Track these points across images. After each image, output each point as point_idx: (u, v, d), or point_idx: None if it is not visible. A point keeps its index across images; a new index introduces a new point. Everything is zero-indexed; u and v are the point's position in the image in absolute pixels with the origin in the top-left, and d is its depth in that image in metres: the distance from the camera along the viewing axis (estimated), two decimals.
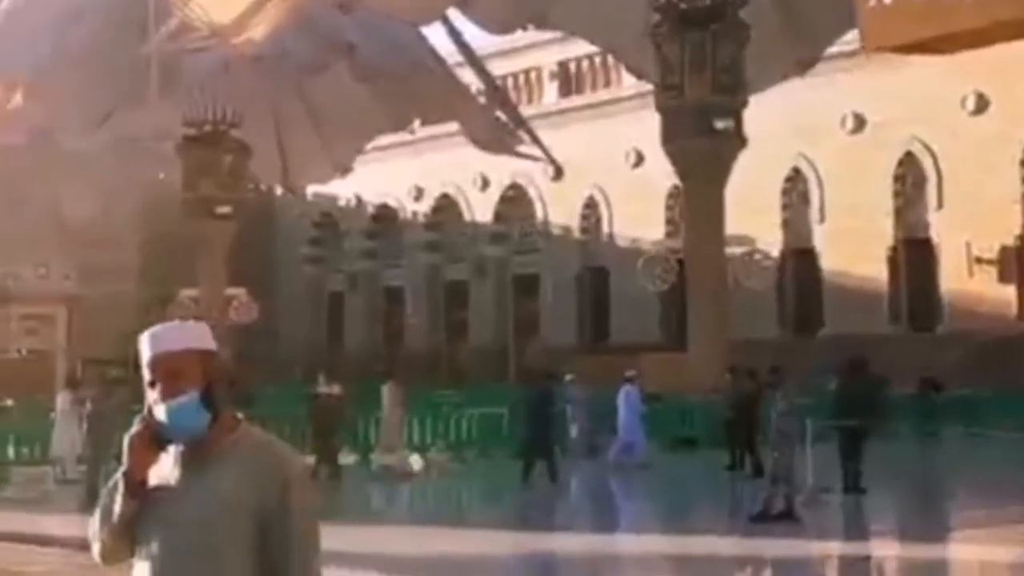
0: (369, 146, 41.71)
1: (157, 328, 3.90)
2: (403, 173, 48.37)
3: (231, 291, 38.22)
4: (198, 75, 34.77)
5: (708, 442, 26.65)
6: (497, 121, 37.88)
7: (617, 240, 43.76)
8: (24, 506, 21.32)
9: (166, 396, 3.79)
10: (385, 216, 51.59)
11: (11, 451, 25.85)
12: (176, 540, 3.75)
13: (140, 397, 3.86)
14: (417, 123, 40.82)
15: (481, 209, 48.38)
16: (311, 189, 48.65)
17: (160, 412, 3.80)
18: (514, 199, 47.54)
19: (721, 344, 29.07)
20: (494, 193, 47.67)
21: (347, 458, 27.17)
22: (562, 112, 44.64)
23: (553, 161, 39.91)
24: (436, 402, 30.35)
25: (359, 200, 51.58)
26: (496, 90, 38.61)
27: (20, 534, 16.98)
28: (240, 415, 4.02)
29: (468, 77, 38.86)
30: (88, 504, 20.61)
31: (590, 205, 45.10)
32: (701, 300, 30.04)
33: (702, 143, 29.33)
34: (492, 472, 25.97)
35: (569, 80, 46.19)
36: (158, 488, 3.81)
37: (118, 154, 39.53)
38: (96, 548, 3.89)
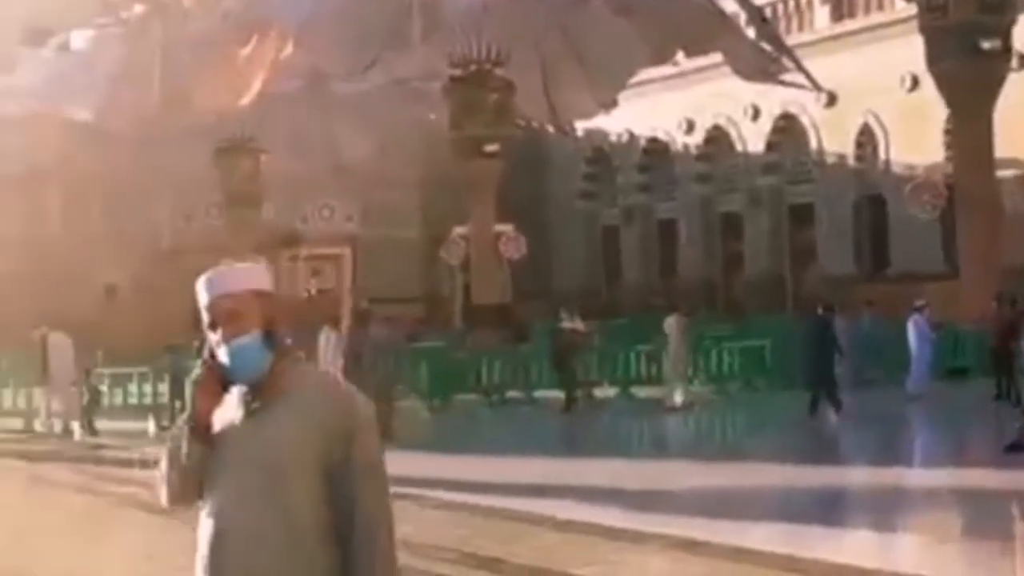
0: (634, 80, 41.46)
1: (214, 271, 3.97)
2: (672, 106, 47.94)
3: (500, 227, 38.65)
4: (459, 16, 35.16)
5: (979, 371, 26.15)
6: (761, 51, 37.16)
7: (893, 167, 42.53)
8: None
9: (227, 338, 3.87)
10: (656, 149, 51.29)
11: None
12: (242, 482, 3.82)
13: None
14: (681, 55, 40.41)
15: (753, 139, 47.62)
16: (582, 125, 48.72)
17: (222, 354, 3.89)
18: (786, 128, 46.63)
19: (993, 272, 28.10)
20: (765, 123, 46.84)
21: (606, 391, 27.53)
22: (835, 38, 43.45)
23: (819, 88, 38.95)
24: (700, 335, 30.21)
25: (630, 135, 51.42)
26: (760, 19, 37.88)
27: None
28: (302, 355, 4.08)
29: (731, 6, 38.19)
30: None
31: (865, 132, 43.87)
32: (971, 226, 29.14)
33: (968, 64, 28.27)
34: (755, 405, 25.86)
35: (841, 4, 44.92)
36: (223, 431, 3.90)
37: (389, 97, 40.40)
38: (164, 492, 4.00)
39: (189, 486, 3.92)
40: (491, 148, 37.05)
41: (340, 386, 4.08)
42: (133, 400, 25.68)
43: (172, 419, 24.81)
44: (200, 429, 3.90)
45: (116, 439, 23.43)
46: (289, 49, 36.17)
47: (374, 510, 3.86)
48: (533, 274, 46.60)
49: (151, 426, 24.39)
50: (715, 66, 40.60)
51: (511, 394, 27.60)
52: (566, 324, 23.79)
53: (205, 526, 3.87)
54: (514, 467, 17.55)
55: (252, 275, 4.00)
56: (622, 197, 53.06)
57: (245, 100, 37.64)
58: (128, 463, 18.51)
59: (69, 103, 37.72)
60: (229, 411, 3.90)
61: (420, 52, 34.56)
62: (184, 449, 3.91)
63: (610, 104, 40.87)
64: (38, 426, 24.96)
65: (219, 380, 3.92)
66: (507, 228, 39.00)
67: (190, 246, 47.33)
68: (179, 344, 25.38)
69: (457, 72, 37.03)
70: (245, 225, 43.63)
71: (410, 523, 12.91)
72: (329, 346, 23.72)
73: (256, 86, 37.25)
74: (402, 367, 23.53)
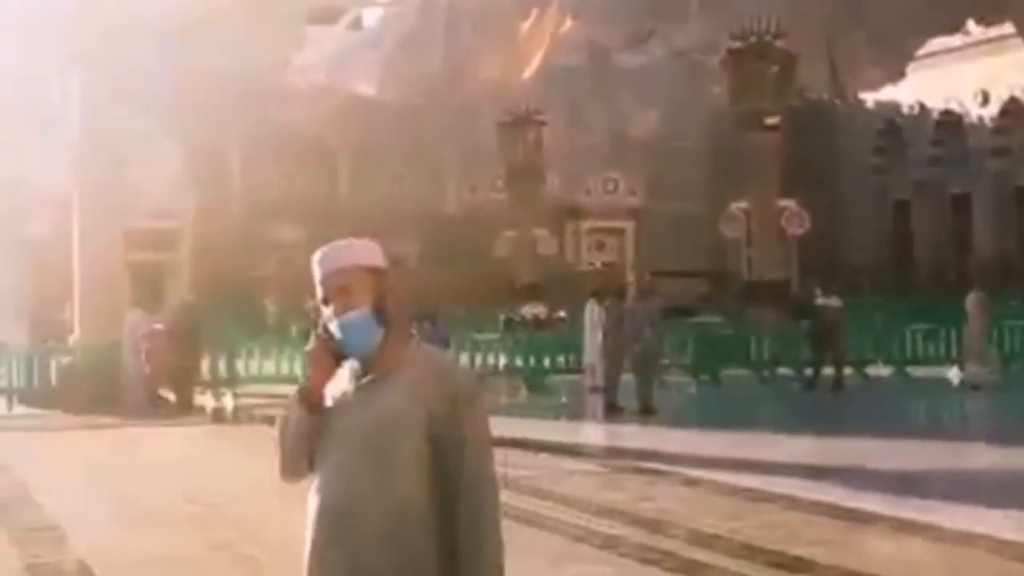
0: (924, 51, 40.17)
1: (327, 247, 4.05)
2: (965, 77, 46.33)
3: (782, 202, 38.02)
4: None
5: None
6: None
7: None
8: (544, 413, 22.33)
9: (339, 312, 3.94)
10: (949, 122, 49.65)
11: (548, 360, 27.28)
12: (350, 455, 3.87)
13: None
14: (971, 24, 38.96)
15: None
16: (872, 97, 47.58)
17: (334, 328, 3.96)
18: None
19: None
20: None
21: (880, 370, 26.97)
22: None
23: None
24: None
25: (922, 107, 49.92)
26: None
27: (523, 440, 17.79)
28: (413, 331, 4.12)
29: None
30: (607, 411, 21.48)
31: None
32: None
33: None
34: None
35: None
36: (334, 404, 3.97)
37: (671, 70, 40.19)
38: (278, 464, 4.10)
39: (300, 458, 3.98)
40: (772, 121, 36.39)
41: (447, 362, 4.12)
42: None
43: None
44: (311, 401, 3.97)
45: None
46: (568, 23, 36.38)
47: (479, 485, 3.86)
48: (822, 249, 45.78)
49: None
50: (1011, 36, 39.05)
51: (782, 371, 27.19)
52: (820, 301, 23.41)
53: (312, 500, 3.92)
54: (764, 444, 17.32)
55: (364, 252, 4.04)
56: (914, 171, 51.59)
57: (526, 73, 38.05)
58: None
59: (355, 78, 38.70)
60: (341, 384, 3.96)
61: (699, 24, 34.23)
62: (296, 421, 3.99)
63: (897, 76, 39.67)
64: None
65: (332, 353, 3.98)
66: (790, 203, 38.29)
67: (475, 217, 48.35)
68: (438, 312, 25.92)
69: (737, 44, 36.52)
70: (527, 197, 44.09)
71: (648, 499, 13.04)
72: (592, 319, 23.89)
73: (537, 60, 37.62)
74: (664, 342, 23.42)
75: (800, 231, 38.69)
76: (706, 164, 49.92)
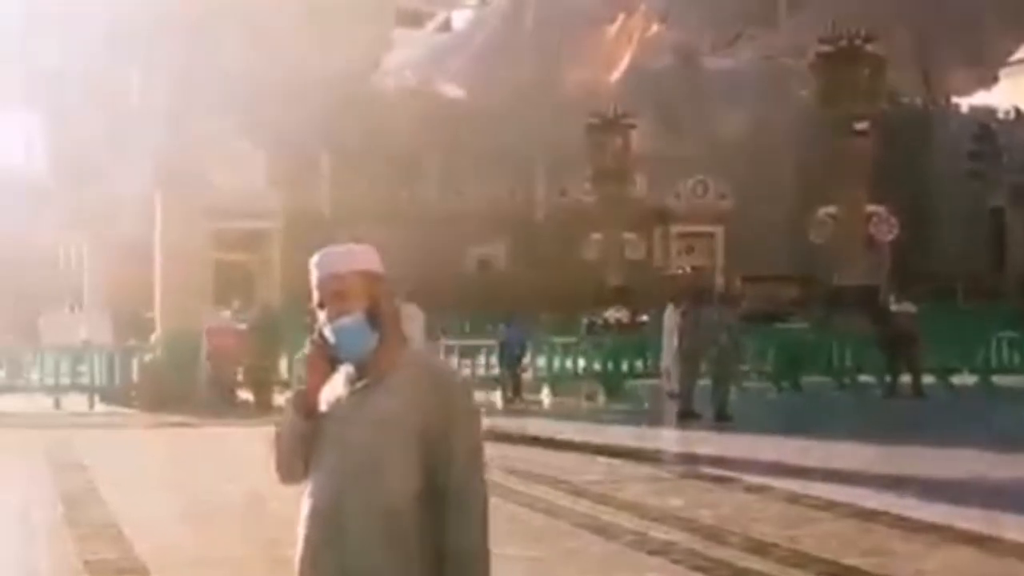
0: (1017, 56, 39.68)
1: (324, 251, 4.09)
2: None
3: (871, 208, 37.67)
4: None
5: None
6: None
7: None
8: (617, 417, 22.31)
9: (333, 317, 3.99)
10: None
11: (626, 364, 27.22)
12: (344, 460, 3.92)
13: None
14: None
15: None
16: (966, 101, 47.02)
17: (328, 333, 4.02)
18: None
19: None
20: None
21: (965, 378, 26.60)
22: None
23: None
24: None
25: (1018, 112, 49.22)
26: None
27: (591, 444, 17.84)
28: (408, 336, 4.17)
29: None
30: (681, 417, 21.41)
31: None
32: None
33: None
34: None
35: None
36: (328, 409, 4.03)
37: (760, 73, 40.06)
38: (274, 468, 4.16)
39: (295, 461, 4.03)
40: (861, 126, 36.13)
41: (442, 369, 4.15)
42: (481, 372, 26.32)
43: (516, 392, 25.47)
44: (306, 406, 4.02)
45: None
46: (655, 27, 36.41)
47: (466, 495, 3.88)
48: (915, 256, 45.27)
49: (499, 399, 24.97)
50: None
51: (863, 378, 26.96)
52: (894, 307, 23.21)
53: (305, 503, 3.99)
54: (833, 452, 17.18)
55: (359, 256, 4.05)
56: (1009, 177, 50.89)
57: (613, 77, 38.11)
58: None
59: (443, 80, 39.02)
60: (336, 389, 4.00)
61: (787, 28, 34.12)
62: (291, 425, 4.05)
63: (990, 80, 39.25)
64: None
65: (327, 358, 4.03)
66: (879, 208, 37.91)
67: (564, 220, 48.35)
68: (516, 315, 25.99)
69: (826, 48, 36.28)
70: (615, 200, 44.04)
71: (707, 506, 13.01)
72: (669, 323, 23.78)
73: (624, 63, 37.68)
74: (741, 347, 23.31)
75: (889, 237, 38.30)
76: (795, 168, 49.51)
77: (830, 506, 12.81)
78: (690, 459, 16.69)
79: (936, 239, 51.36)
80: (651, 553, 10.76)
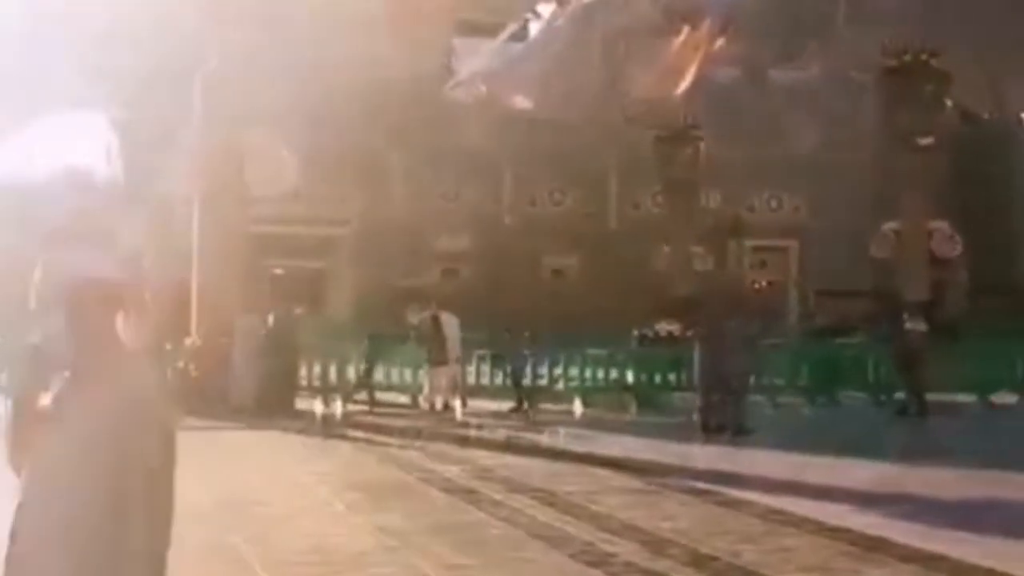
0: None
1: None
2: None
3: (933, 224, 37.25)
4: (892, 3, 34.11)
5: None
6: None
7: None
8: (642, 429, 22.28)
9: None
10: None
11: (660, 377, 27.19)
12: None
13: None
14: None
15: None
16: None
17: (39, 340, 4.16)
18: None
19: None
20: None
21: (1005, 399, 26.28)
22: None
23: None
24: None
25: None
26: None
27: (597, 456, 17.87)
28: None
29: None
30: (702, 430, 21.38)
31: None
32: None
33: None
34: None
35: None
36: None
37: (830, 86, 39.67)
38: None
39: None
40: (925, 141, 35.68)
41: (147, 382, 4.30)
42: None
43: (520, 404, 25.62)
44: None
45: (494, 419, 24.23)
46: (722, 39, 36.17)
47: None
48: (994, 272, 44.62)
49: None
50: None
51: (899, 395, 26.69)
52: (908, 325, 22.98)
53: None
54: (832, 468, 17.04)
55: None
56: None
57: (680, 89, 37.89)
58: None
59: (513, 91, 38.98)
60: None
61: (850, 41, 33.76)
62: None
63: None
64: (421, 402, 26.05)
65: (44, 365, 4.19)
66: (941, 224, 37.48)
67: (634, 232, 48.32)
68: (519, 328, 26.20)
69: (891, 62, 35.89)
70: (684, 213, 43.84)
71: (670, 518, 12.99)
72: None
73: (690, 75, 37.44)
74: (758, 361, 23.21)
75: (952, 254, 37.88)
76: (865, 183, 49.00)
77: (801, 522, 12.72)
78: (680, 472, 16.61)
79: (1008, 255, 50.52)
80: (590, 564, 10.75)
